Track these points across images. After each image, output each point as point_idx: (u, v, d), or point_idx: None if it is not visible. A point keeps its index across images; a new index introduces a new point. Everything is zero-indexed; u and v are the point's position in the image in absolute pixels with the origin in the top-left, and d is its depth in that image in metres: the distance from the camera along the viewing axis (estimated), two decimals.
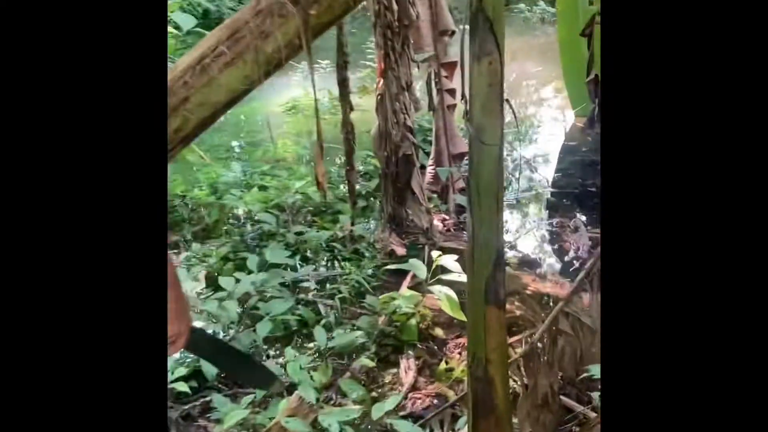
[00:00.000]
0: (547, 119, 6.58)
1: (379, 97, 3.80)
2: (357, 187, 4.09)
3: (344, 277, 3.54)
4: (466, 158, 4.63)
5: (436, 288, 3.02)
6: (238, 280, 3.09)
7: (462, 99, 1.55)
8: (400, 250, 3.86)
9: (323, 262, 3.83)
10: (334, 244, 3.92)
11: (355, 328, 3.08)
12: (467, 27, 1.52)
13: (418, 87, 3.96)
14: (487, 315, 1.75)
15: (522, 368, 2.42)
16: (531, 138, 6.06)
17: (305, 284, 3.46)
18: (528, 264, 3.87)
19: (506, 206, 4.67)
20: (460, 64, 1.51)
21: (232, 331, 2.99)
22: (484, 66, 1.55)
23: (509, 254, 3.91)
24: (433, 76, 4.03)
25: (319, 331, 2.90)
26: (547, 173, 5.11)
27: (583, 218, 4.14)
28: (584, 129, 5.28)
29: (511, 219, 4.47)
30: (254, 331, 2.91)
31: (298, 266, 3.66)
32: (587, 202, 4.37)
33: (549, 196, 4.74)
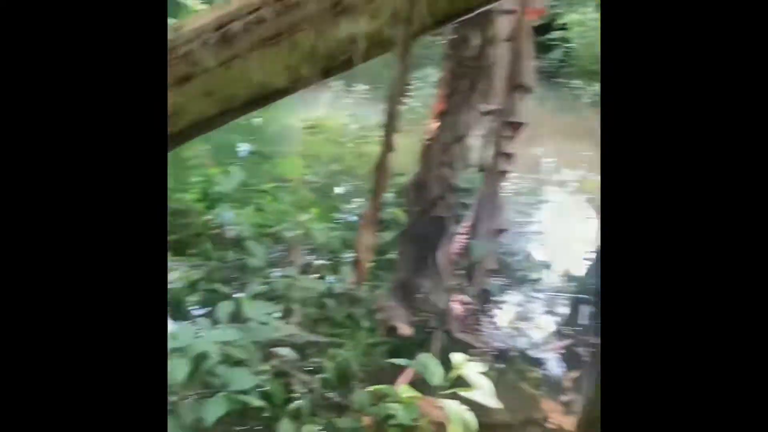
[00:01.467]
0: None
1: (427, 142, 3.14)
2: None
3: (331, 348, 2.81)
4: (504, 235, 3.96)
5: (451, 404, 2.29)
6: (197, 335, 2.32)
7: None
8: (405, 330, 3.14)
9: (309, 322, 3.09)
10: (326, 300, 3.19)
11: (332, 429, 2.33)
12: None
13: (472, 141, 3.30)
14: None
15: None
16: None
17: (281, 348, 2.71)
18: None
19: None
20: None
21: (174, 397, 2.22)
22: None
23: None
24: (494, 133, 3.38)
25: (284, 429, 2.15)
26: None
27: None
28: None
29: None
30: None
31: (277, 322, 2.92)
32: None
33: None
